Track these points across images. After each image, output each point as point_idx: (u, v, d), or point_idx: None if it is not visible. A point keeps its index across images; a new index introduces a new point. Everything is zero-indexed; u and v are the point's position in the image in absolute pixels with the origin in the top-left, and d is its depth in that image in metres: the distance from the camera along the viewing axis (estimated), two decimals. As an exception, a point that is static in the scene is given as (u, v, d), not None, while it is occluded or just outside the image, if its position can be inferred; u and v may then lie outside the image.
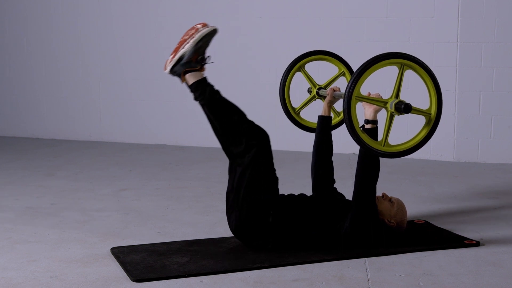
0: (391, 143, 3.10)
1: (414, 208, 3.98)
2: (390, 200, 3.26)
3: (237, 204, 3.12)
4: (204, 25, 3.19)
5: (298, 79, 4.10)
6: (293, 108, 3.94)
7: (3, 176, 4.96)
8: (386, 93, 3.20)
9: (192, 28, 3.19)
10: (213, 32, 3.19)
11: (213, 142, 6.34)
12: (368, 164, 3.10)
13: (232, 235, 3.29)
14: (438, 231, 3.51)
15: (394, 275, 2.83)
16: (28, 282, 2.75)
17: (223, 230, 3.48)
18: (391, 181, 4.79)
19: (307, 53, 3.92)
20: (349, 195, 3.28)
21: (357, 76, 2.91)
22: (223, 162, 5.62)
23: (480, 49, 5.59)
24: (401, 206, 3.25)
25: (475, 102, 5.65)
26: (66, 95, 6.75)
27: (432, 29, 5.67)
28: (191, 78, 3.17)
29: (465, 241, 3.28)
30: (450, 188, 4.63)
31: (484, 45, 5.57)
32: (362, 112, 3.23)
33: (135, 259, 2.99)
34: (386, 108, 3.02)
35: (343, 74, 3.94)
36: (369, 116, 3.19)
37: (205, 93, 3.16)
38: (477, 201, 4.23)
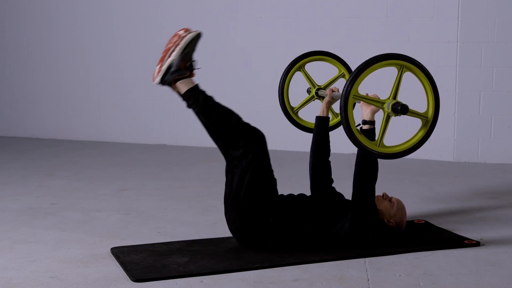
0: (392, 143, 3.10)
1: (414, 208, 3.98)
2: (390, 200, 3.26)
3: (237, 206, 3.12)
4: (187, 31, 3.13)
5: (297, 78, 4.09)
6: (292, 108, 3.95)
7: (3, 176, 4.96)
8: (387, 94, 3.20)
9: (175, 35, 3.13)
10: (198, 36, 3.12)
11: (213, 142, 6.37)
12: (366, 165, 3.09)
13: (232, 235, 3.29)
14: (438, 231, 3.51)
15: (394, 275, 2.83)
16: (28, 282, 2.75)
17: (223, 230, 3.48)
18: (391, 181, 4.79)
19: (307, 53, 3.92)
20: (348, 195, 3.28)
21: (356, 75, 2.91)
22: (223, 162, 5.61)
23: (480, 49, 5.58)
24: (400, 206, 3.25)
25: (475, 102, 5.65)
26: (66, 95, 6.75)
27: (432, 29, 5.67)
28: (182, 86, 3.12)
29: (465, 241, 3.28)
30: (450, 188, 4.63)
31: (484, 45, 5.57)
32: (360, 113, 3.23)
33: (135, 259, 2.99)
34: (383, 108, 3.02)
35: (343, 76, 3.94)
36: (367, 117, 3.18)
37: (198, 100, 3.11)
38: (477, 201, 4.23)
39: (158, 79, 3.13)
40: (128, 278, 2.78)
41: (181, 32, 3.12)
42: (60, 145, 6.47)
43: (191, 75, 3.15)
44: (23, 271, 2.88)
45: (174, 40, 3.12)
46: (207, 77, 6.33)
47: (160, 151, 6.15)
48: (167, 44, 3.14)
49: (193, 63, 3.15)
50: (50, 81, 6.78)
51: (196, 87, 3.14)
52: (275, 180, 3.20)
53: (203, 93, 3.14)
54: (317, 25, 5.96)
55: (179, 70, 3.10)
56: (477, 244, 3.26)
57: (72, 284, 2.73)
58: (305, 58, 3.90)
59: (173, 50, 3.09)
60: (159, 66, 3.12)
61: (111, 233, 3.47)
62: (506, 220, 3.76)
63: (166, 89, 6.68)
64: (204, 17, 6.25)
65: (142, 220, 3.75)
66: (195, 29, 3.16)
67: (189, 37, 3.09)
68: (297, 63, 3.90)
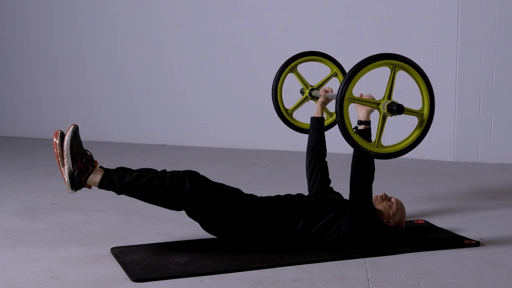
0: (390, 143, 3.10)
1: (414, 208, 3.98)
2: (389, 200, 3.26)
3: (222, 234, 3.17)
4: (57, 135, 3.07)
5: (291, 80, 4.09)
6: (286, 109, 3.95)
7: (3, 176, 4.96)
8: (381, 94, 3.20)
9: (54, 145, 3.07)
10: (75, 132, 3.07)
11: (213, 142, 6.38)
12: (363, 165, 3.09)
13: (232, 235, 3.30)
14: (438, 231, 3.51)
15: (394, 275, 2.83)
16: (28, 282, 2.75)
17: (223, 230, 3.48)
18: (391, 181, 4.79)
19: (299, 54, 3.92)
20: (347, 195, 3.28)
21: (349, 78, 2.91)
22: (223, 162, 5.64)
23: (480, 49, 5.58)
24: (400, 206, 3.26)
25: (475, 102, 5.65)
26: (66, 95, 6.75)
27: (432, 29, 5.67)
28: (93, 181, 3.07)
29: (465, 241, 3.29)
30: (450, 188, 4.63)
31: (484, 45, 5.57)
32: (355, 113, 3.23)
33: (135, 259, 2.99)
34: (378, 109, 3.02)
35: (336, 75, 3.94)
36: (362, 117, 3.19)
37: (115, 185, 3.07)
38: (477, 201, 4.23)
39: (70, 189, 3.08)
40: (128, 278, 2.79)
41: (55, 140, 3.07)
42: (60, 145, 6.46)
43: (94, 165, 3.10)
44: (23, 271, 2.88)
45: (56, 151, 3.06)
46: (207, 77, 6.35)
47: (160, 151, 6.15)
48: (55, 157, 3.08)
49: (88, 154, 3.10)
50: (50, 81, 6.78)
51: (105, 175, 3.08)
52: (233, 190, 3.19)
53: (114, 174, 3.08)
54: (317, 25, 5.96)
55: (81, 170, 3.06)
56: (477, 244, 3.26)
57: (72, 284, 2.73)
58: (296, 59, 3.90)
59: (63, 158, 3.04)
60: (64, 179, 3.07)
61: (111, 233, 3.47)
62: (506, 220, 3.76)
63: (166, 89, 6.68)
64: (204, 17, 6.25)
65: (142, 220, 3.75)
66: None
67: (67, 139, 3.04)
68: (289, 65, 3.90)
